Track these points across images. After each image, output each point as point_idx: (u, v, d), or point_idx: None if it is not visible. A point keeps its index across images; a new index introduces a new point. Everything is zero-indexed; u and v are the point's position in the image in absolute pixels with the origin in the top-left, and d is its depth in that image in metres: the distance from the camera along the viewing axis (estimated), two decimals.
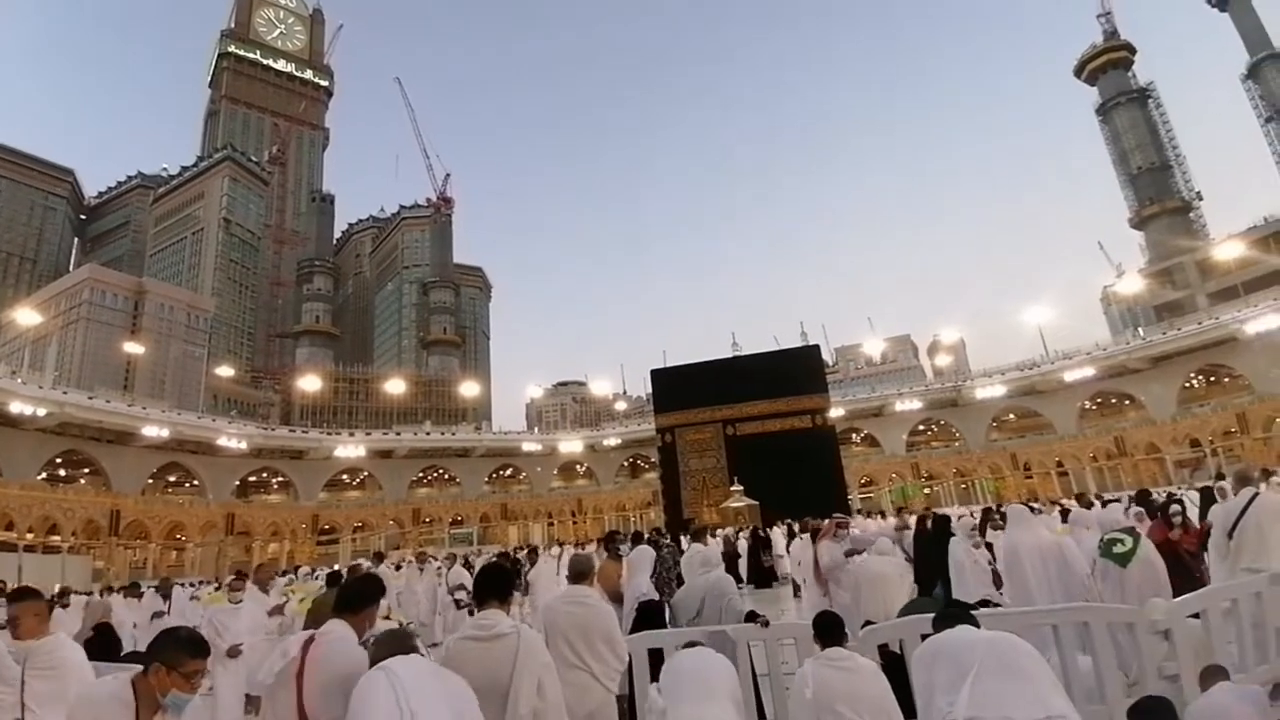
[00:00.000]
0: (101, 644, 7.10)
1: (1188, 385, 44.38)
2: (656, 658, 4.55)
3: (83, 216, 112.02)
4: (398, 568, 10.50)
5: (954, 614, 3.14)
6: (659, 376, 36.85)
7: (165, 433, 41.07)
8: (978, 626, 2.96)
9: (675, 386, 34.93)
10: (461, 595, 9.97)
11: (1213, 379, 44.37)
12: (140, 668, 2.38)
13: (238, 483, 48.08)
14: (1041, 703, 2.31)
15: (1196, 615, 4.17)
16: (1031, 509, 9.15)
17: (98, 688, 2.39)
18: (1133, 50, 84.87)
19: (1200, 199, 78.45)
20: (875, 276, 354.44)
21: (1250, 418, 38.46)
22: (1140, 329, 52.51)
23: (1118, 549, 5.16)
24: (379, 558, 11.79)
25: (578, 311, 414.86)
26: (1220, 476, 16.12)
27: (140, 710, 2.24)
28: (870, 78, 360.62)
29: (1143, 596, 4.69)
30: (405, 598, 11.28)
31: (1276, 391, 38.61)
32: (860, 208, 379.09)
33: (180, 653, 2.27)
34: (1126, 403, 46.82)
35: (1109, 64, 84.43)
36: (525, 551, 13.81)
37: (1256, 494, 4.91)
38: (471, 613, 5.09)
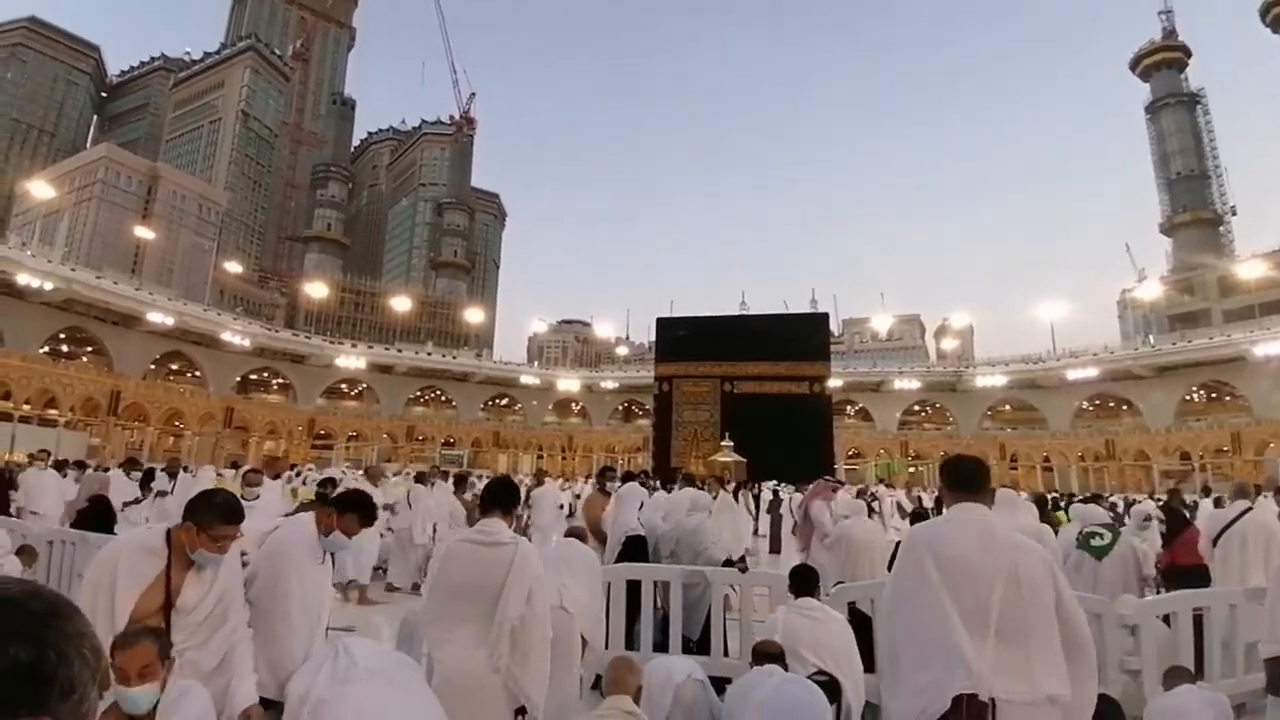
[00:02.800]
0: (97, 515, 7.34)
1: (1188, 398, 44.34)
2: (634, 589, 4.71)
3: (103, 94, 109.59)
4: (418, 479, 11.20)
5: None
6: (664, 325, 36.79)
7: (170, 321, 41.26)
8: None
9: (679, 337, 34.91)
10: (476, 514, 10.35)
11: (1214, 395, 44.30)
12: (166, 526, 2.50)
13: (238, 379, 48.64)
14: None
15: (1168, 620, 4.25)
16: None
17: (128, 537, 2.47)
18: (1188, 53, 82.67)
19: (1234, 213, 76.94)
20: (894, 253, 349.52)
21: (1245, 438, 38.61)
22: (1151, 336, 52.12)
23: (1095, 542, 5.25)
24: (369, 474, 12.59)
25: (589, 253, 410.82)
26: (1207, 491, 16.24)
27: (172, 560, 2.34)
28: (919, 56, 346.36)
29: (1113, 591, 4.80)
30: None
31: (1276, 416, 38.63)
32: (889, 183, 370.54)
33: (214, 517, 2.34)
34: (1124, 408, 46.90)
35: (1164, 62, 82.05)
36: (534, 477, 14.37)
37: (1249, 509, 4.90)
38: None
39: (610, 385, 56.80)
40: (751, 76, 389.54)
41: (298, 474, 17.69)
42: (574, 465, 49.47)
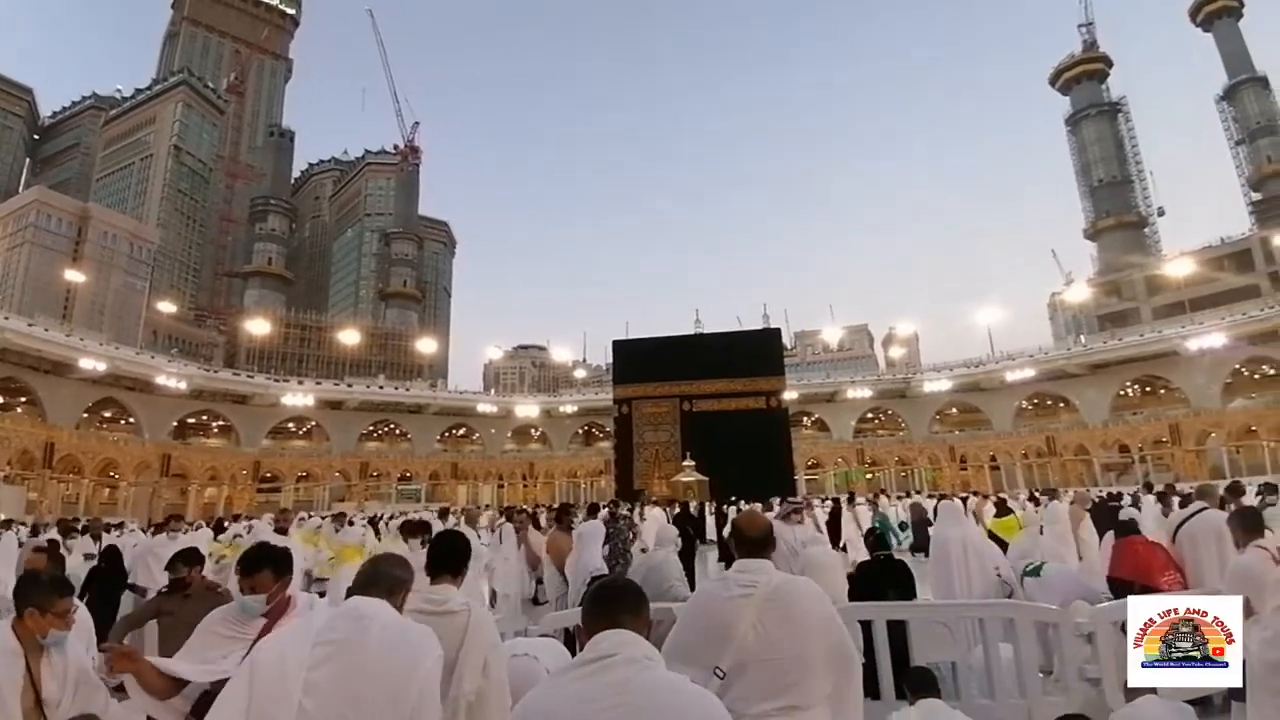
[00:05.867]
0: None
1: (1122, 393, 46.48)
2: None
3: (36, 136, 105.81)
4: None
5: (921, 681, 3.25)
6: (621, 348, 36.86)
7: (102, 366, 39.33)
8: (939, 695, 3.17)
9: (636, 359, 35.00)
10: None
11: (1148, 389, 46.50)
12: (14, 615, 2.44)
13: (175, 424, 46.46)
14: None
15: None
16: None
17: None
18: (1109, 63, 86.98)
19: (1161, 214, 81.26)
20: (841, 265, 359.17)
21: (1183, 429, 40.34)
22: (1082, 336, 54.64)
23: (1029, 568, 5.59)
24: (468, 515, 10.51)
25: (543, 277, 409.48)
26: (1149, 484, 16.93)
27: (28, 655, 2.34)
28: (847, 69, 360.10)
29: (1065, 598, 4.92)
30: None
31: (1213, 407, 40.63)
32: (832, 197, 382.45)
33: (50, 595, 2.39)
34: (1061, 405, 48.90)
35: (1084, 74, 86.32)
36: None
37: (1203, 509, 4.98)
38: None
39: (569, 409, 56.38)
40: (695, 103, 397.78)
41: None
42: (535, 493, 48.72)
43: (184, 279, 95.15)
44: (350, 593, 2.02)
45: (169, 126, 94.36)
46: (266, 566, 2.60)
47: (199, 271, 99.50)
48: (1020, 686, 4.17)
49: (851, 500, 16.47)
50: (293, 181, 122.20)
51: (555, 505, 18.06)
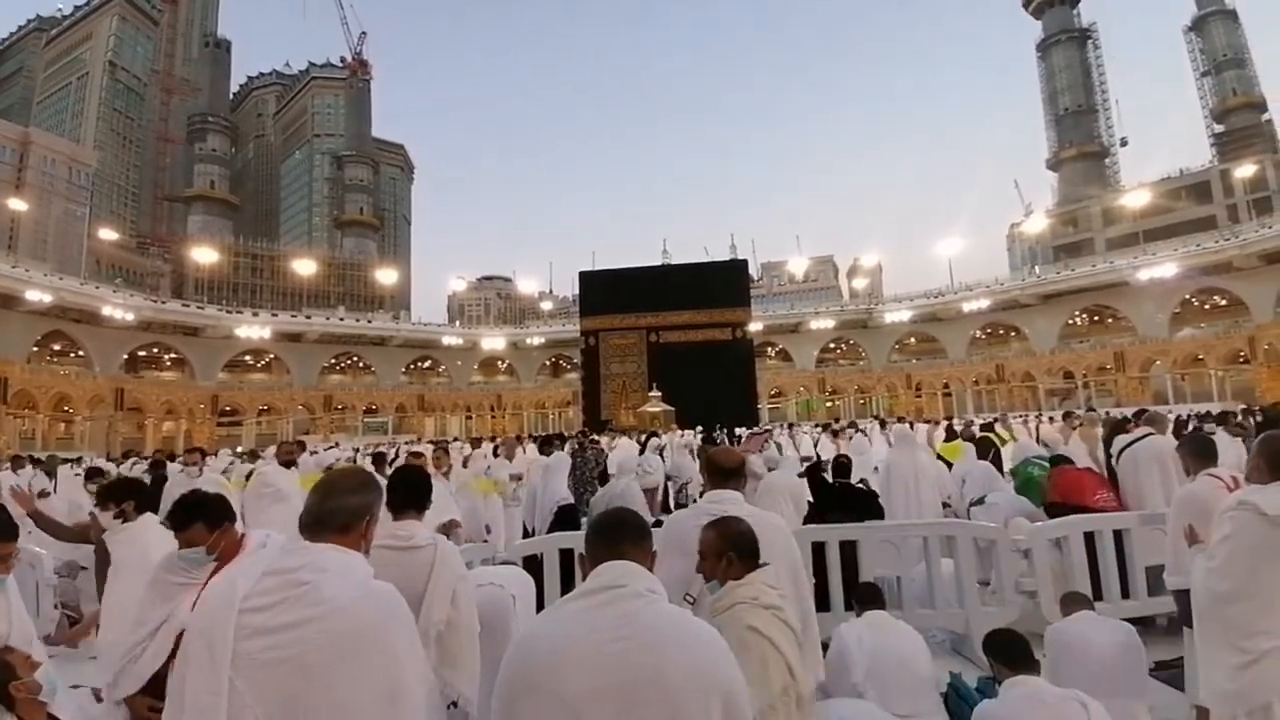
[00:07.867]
0: None
1: (1071, 322, 47.98)
2: (567, 558, 4.74)
3: None
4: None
5: (868, 594, 3.55)
6: (587, 279, 36.54)
7: (48, 298, 37.74)
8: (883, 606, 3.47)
9: (603, 290, 34.81)
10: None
11: (1096, 318, 47.97)
12: None
13: (126, 356, 44.93)
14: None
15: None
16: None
17: None
18: None
19: (1124, 144, 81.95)
20: (810, 196, 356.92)
21: (1128, 357, 41.81)
22: (1037, 267, 55.82)
23: (974, 500, 6.13)
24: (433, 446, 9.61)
25: (506, 205, 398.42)
26: (1090, 409, 17.76)
27: None
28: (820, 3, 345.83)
29: (1007, 519, 5.22)
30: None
31: (1160, 335, 42.10)
32: (804, 128, 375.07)
33: None
34: (1012, 334, 50.43)
35: None
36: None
37: (1149, 434, 5.03)
38: None
39: (536, 341, 56.10)
40: (667, 27, 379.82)
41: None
42: (504, 424, 49.03)
43: (124, 204, 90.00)
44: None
45: (104, 42, 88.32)
46: (198, 520, 2.40)
47: (138, 196, 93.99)
48: (959, 597, 4.48)
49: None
50: (231, 97, 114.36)
51: (534, 436, 18.27)
